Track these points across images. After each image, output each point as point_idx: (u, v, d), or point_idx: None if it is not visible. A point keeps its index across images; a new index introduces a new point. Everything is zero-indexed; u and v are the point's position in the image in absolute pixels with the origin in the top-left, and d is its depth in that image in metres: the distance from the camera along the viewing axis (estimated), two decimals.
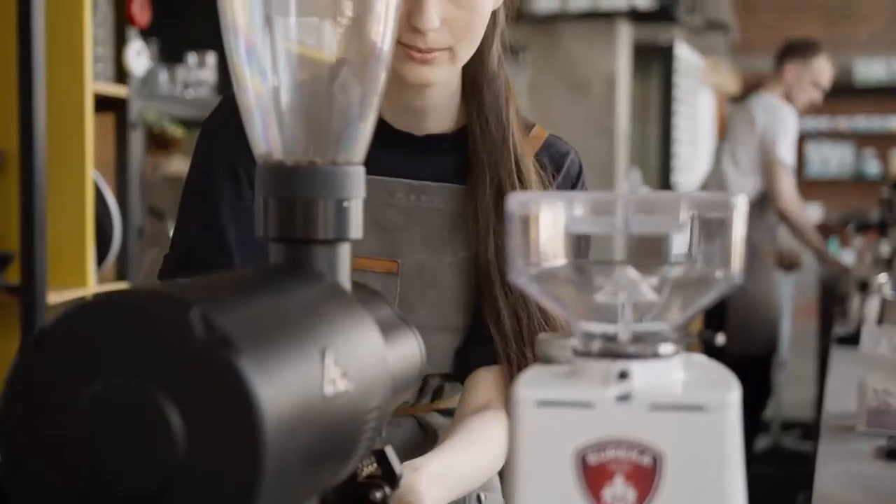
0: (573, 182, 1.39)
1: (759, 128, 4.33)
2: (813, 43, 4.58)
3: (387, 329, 0.73)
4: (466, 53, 1.25)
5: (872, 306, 2.52)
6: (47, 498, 0.55)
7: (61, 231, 2.82)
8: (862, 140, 8.97)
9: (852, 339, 2.47)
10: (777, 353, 4.71)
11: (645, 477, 0.60)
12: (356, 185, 0.71)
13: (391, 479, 0.76)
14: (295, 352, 0.59)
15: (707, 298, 0.65)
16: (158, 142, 3.87)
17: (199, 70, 3.62)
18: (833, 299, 4.40)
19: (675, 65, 6.94)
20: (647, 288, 0.63)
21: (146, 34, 3.27)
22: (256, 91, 0.71)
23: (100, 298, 0.56)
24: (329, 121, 0.72)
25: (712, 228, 0.64)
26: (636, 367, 0.61)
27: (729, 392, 0.61)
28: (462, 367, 1.34)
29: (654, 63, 6.92)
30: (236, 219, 1.26)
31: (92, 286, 2.91)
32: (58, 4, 2.78)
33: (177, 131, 3.49)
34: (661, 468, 0.60)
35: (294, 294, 0.66)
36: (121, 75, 3.13)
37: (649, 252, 0.66)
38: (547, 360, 0.68)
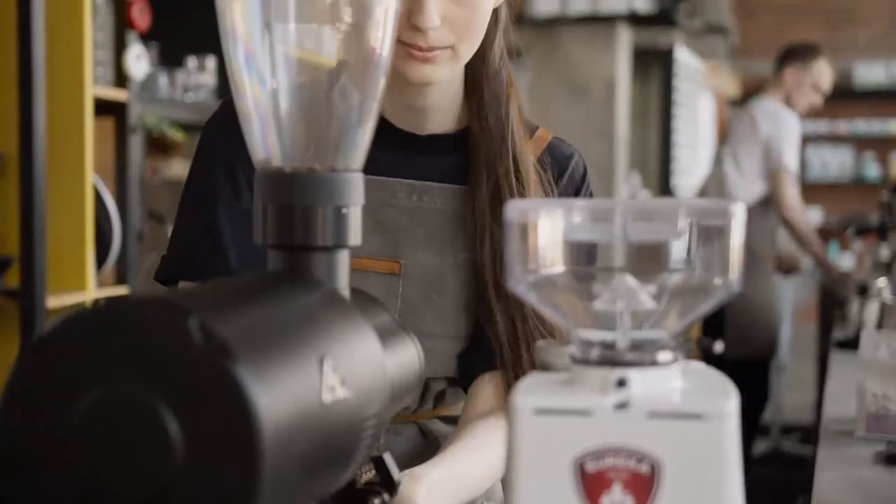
0: (578, 185, 1.38)
1: (762, 134, 4.32)
2: (813, 46, 4.58)
3: (385, 336, 0.73)
4: (468, 51, 1.25)
5: (872, 310, 2.52)
6: None
7: (61, 235, 2.82)
8: (862, 143, 8.97)
9: (852, 344, 2.47)
10: (775, 358, 4.71)
11: (643, 485, 0.60)
12: (355, 192, 0.71)
13: (389, 485, 0.76)
14: (293, 359, 0.59)
15: (705, 306, 0.65)
16: (158, 145, 3.86)
17: (199, 74, 3.62)
18: (833, 303, 4.41)
19: (674, 68, 6.95)
20: (645, 296, 0.63)
21: (146, 38, 3.27)
22: (255, 97, 0.71)
23: (98, 306, 0.56)
24: (328, 127, 0.72)
25: (711, 236, 0.64)
26: (634, 375, 0.61)
27: (727, 400, 0.61)
28: (465, 372, 1.33)
29: (654, 66, 6.92)
30: (234, 220, 1.25)
31: (91, 290, 2.91)
32: (58, 8, 2.78)
33: (176, 135, 3.49)
34: (660, 476, 0.60)
35: (293, 301, 0.66)
36: (120, 79, 3.13)
37: (648, 259, 0.66)
38: (545, 368, 0.68)
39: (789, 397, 5.50)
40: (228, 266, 1.24)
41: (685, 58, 7.13)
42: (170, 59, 3.60)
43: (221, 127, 1.28)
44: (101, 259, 3.04)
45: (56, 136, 2.75)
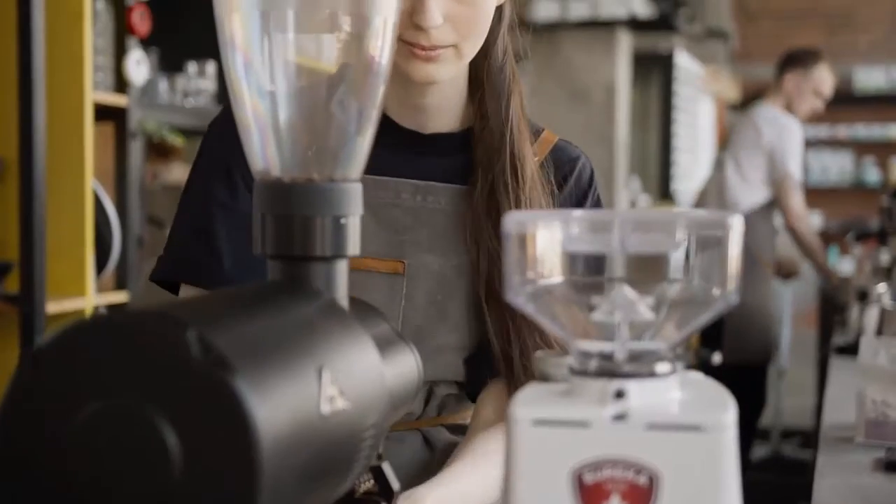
0: (585, 188, 1.37)
1: (765, 141, 4.33)
2: (813, 52, 4.58)
3: (384, 345, 0.73)
4: (471, 50, 1.24)
5: (871, 316, 2.52)
6: None
7: (61, 240, 2.82)
8: (862, 148, 8.98)
9: (852, 349, 2.47)
10: (772, 362, 4.71)
11: (641, 496, 0.60)
12: (354, 202, 0.71)
13: (388, 495, 0.76)
14: (292, 371, 0.59)
15: (704, 317, 0.65)
16: (158, 150, 3.87)
17: (199, 79, 3.63)
18: (833, 308, 4.41)
19: (674, 73, 6.96)
20: (644, 307, 0.63)
21: (146, 43, 3.27)
22: (254, 107, 0.71)
23: (97, 318, 0.56)
24: (327, 137, 0.72)
25: (709, 247, 0.64)
26: (633, 387, 0.61)
27: (725, 412, 0.61)
28: (472, 378, 1.32)
29: (654, 71, 6.93)
30: (229, 223, 1.25)
31: (91, 295, 2.91)
32: (58, 13, 2.78)
33: (176, 140, 3.49)
34: (658, 488, 0.60)
35: (291, 312, 0.66)
36: (121, 84, 3.13)
37: (646, 270, 0.66)
38: (544, 378, 0.68)
39: (789, 402, 5.50)
40: (222, 268, 1.24)
41: (685, 62, 7.14)
42: (170, 64, 3.60)
43: (221, 131, 1.28)
44: (100, 264, 3.04)
45: (56, 142, 2.75)
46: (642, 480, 0.60)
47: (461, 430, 1.36)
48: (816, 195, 8.13)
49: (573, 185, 1.36)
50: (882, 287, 2.81)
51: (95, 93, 2.94)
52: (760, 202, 4.36)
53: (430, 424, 1.35)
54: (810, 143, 8.43)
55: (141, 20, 3.16)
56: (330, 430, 0.61)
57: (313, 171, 0.71)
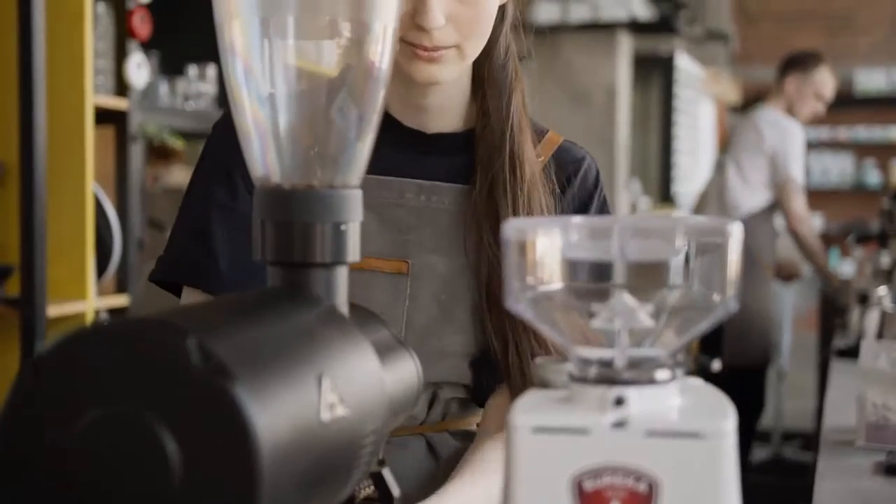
0: (591, 189, 1.36)
1: (767, 145, 4.33)
2: (814, 55, 4.59)
3: (384, 351, 0.73)
4: (474, 50, 1.23)
5: (872, 319, 2.52)
6: None
7: (61, 243, 2.82)
8: (862, 150, 8.98)
9: (852, 352, 2.47)
10: (772, 365, 4.71)
11: (641, 503, 0.60)
12: (354, 208, 0.71)
13: (388, 501, 0.76)
14: (292, 378, 0.59)
15: (704, 324, 0.65)
16: (159, 153, 3.87)
17: (200, 82, 3.63)
18: (833, 311, 4.41)
19: (675, 75, 6.96)
20: (643, 314, 0.63)
21: (147, 47, 3.28)
22: (254, 114, 0.71)
23: (97, 325, 0.56)
24: (327, 144, 0.72)
25: (708, 254, 0.64)
26: (632, 394, 0.61)
27: (725, 419, 0.61)
28: (478, 383, 1.31)
29: (655, 73, 6.94)
30: (227, 225, 1.24)
31: (92, 299, 2.91)
32: (59, 17, 2.79)
33: (177, 144, 3.50)
34: (657, 495, 0.60)
35: (291, 319, 0.66)
36: (121, 88, 3.13)
37: (646, 276, 0.66)
38: (544, 385, 0.68)
39: (790, 404, 5.50)
40: (219, 270, 1.24)
41: (686, 65, 7.15)
42: (170, 67, 3.60)
43: (223, 133, 1.28)
44: (101, 267, 3.05)
45: (57, 145, 2.76)
46: (642, 487, 0.60)
47: (466, 437, 1.34)
48: (817, 197, 8.14)
49: (578, 187, 1.35)
50: (883, 290, 2.81)
51: (96, 96, 2.95)
52: (761, 205, 4.36)
53: (434, 430, 1.33)
54: (811, 145, 8.43)
55: (141, 23, 3.16)
56: (330, 437, 0.61)
57: (313, 177, 0.71)
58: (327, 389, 0.61)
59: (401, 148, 1.29)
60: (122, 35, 3.14)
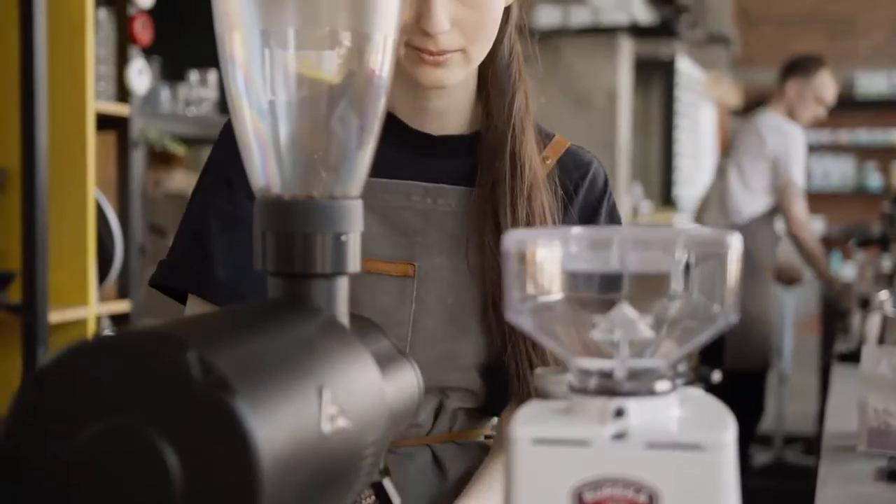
0: (600, 193, 1.35)
1: (769, 149, 4.33)
2: (815, 59, 4.59)
3: (384, 362, 0.73)
4: (480, 53, 1.23)
5: (873, 324, 2.51)
6: None
7: (63, 249, 2.82)
8: (863, 153, 8.99)
9: (854, 357, 2.46)
10: (771, 369, 4.71)
11: None
12: (354, 219, 0.71)
13: None
14: (292, 390, 0.59)
15: (704, 335, 0.65)
16: (160, 158, 3.87)
17: (201, 88, 3.63)
18: (835, 314, 4.41)
19: (676, 78, 6.96)
20: (643, 325, 0.63)
21: (148, 52, 3.28)
22: (255, 125, 0.71)
23: (98, 339, 0.56)
24: (327, 154, 0.72)
25: (708, 265, 0.64)
26: (632, 405, 0.61)
27: (725, 430, 0.61)
28: (488, 392, 1.30)
29: (656, 77, 6.94)
30: (227, 231, 1.25)
31: (93, 305, 2.91)
32: (60, 23, 2.79)
33: (178, 149, 3.50)
34: None
35: (292, 330, 0.66)
36: (122, 94, 3.13)
37: (646, 287, 0.66)
38: (544, 395, 0.68)
39: (792, 408, 5.49)
40: (217, 276, 1.24)
41: (687, 68, 7.15)
42: (172, 73, 3.60)
43: (225, 140, 1.29)
44: (103, 273, 3.05)
45: (58, 151, 2.76)
46: (642, 499, 0.60)
47: (473, 450, 1.33)
48: (818, 200, 8.14)
49: (586, 192, 1.34)
50: (884, 294, 2.81)
51: (97, 102, 2.95)
52: (763, 209, 4.36)
53: (440, 440, 1.32)
54: (812, 148, 8.43)
55: (143, 29, 3.16)
56: (330, 449, 0.61)
57: (314, 188, 0.71)
58: (328, 401, 0.61)
59: (407, 151, 1.28)
60: (124, 41, 3.14)
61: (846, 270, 5.62)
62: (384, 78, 0.73)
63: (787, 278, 4.84)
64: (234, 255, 1.24)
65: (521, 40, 1.34)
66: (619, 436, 0.61)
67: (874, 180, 8.93)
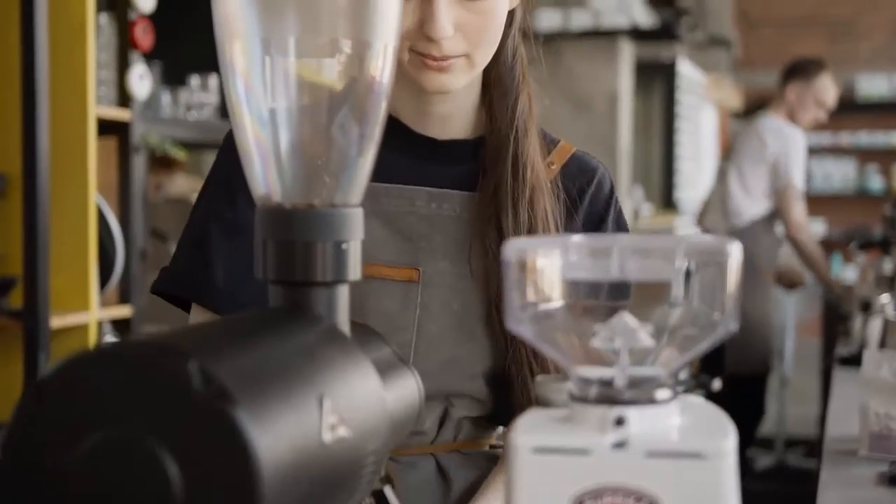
0: (607, 199, 1.35)
1: (770, 153, 4.33)
2: (816, 62, 4.59)
3: (385, 370, 0.73)
4: (484, 58, 1.23)
5: (875, 327, 2.51)
6: None
7: (64, 254, 2.82)
8: (864, 155, 8.99)
9: (855, 360, 2.46)
10: (772, 373, 4.71)
11: None
12: (355, 227, 0.71)
13: None
14: (293, 400, 0.59)
15: (704, 344, 0.65)
16: (161, 163, 3.87)
17: (202, 93, 3.63)
18: (836, 318, 4.41)
19: (677, 81, 6.97)
20: (644, 334, 0.63)
21: (149, 57, 3.28)
22: (255, 133, 0.71)
23: (99, 349, 0.56)
24: (328, 163, 0.72)
25: (708, 274, 0.64)
26: (633, 414, 0.61)
27: (725, 439, 0.61)
28: (493, 400, 1.29)
29: (657, 80, 6.94)
30: (228, 238, 1.25)
31: (95, 310, 2.91)
32: (61, 28, 2.79)
33: (179, 154, 3.50)
34: None
35: (293, 339, 0.66)
36: (123, 99, 3.13)
37: (646, 296, 0.66)
38: (544, 403, 0.68)
39: (793, 411, 5.49)
40: (215, 283, 1.24)
41: (687, 71, 7.15)
42: (173, 78, 3.61)
43: (227, 146, 1.29)
44: (104, 278, 3.05)
45: (59, 156, 2.76)
46: None
47: (478, 459, 1.32)
48: (819, 203, 8.14)
49: (592, 198, 1.33)
50: (885, 297, 2.81)
51: (98, 107, 2.95)
52: (763, 213, 4.37)
53: (444, 450, 1.31)
54: (813, 151, 8.43)
55: (144, 34, 3.16)
56: (331, 458, 0.61)
57: (314, 196, 0.71)
58: (328, 410, 0.61)
59: (411, 155, 1.28)
60: (125, 46, 3.14)
61: (847, 273, 5.61)
62: (385, 85, 0.73)
63: (788, 281, 4.84)
64: (235, 264, 1.23)
65: (525, 42, 1.34)
66: (620, 444, 0.61)
67: (875, 183, 8.93)
